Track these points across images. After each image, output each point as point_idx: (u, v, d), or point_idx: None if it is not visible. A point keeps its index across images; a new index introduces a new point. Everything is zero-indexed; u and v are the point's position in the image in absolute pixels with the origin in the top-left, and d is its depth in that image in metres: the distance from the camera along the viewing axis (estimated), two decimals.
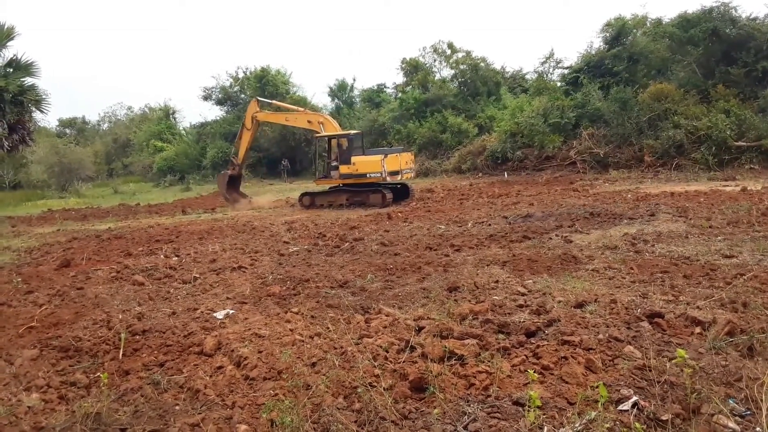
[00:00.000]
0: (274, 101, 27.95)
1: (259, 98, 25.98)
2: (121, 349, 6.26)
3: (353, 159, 20.37)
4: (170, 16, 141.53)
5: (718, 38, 26.66)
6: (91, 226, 20.23)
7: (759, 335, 5.20)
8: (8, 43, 23.14)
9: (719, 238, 10.22)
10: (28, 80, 23.45)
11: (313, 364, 5.33)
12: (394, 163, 20.27)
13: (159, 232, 16.63)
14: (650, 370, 4.63)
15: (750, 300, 6.34)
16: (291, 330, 6.38)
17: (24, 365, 6.08)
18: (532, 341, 5.55)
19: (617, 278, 7.94)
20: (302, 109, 26.84)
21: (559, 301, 6.77)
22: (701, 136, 23.85)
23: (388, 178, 20.00)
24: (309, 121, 23.01)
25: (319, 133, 22.02)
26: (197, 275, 10.13)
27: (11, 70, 23.02)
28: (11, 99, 22.35)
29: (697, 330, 5.55)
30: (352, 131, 21.94)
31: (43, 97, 24.11)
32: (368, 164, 20.14)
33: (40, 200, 34.83)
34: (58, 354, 6.41)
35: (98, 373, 5.65)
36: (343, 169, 20.62)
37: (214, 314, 7.46)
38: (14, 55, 23.25)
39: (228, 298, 8.39)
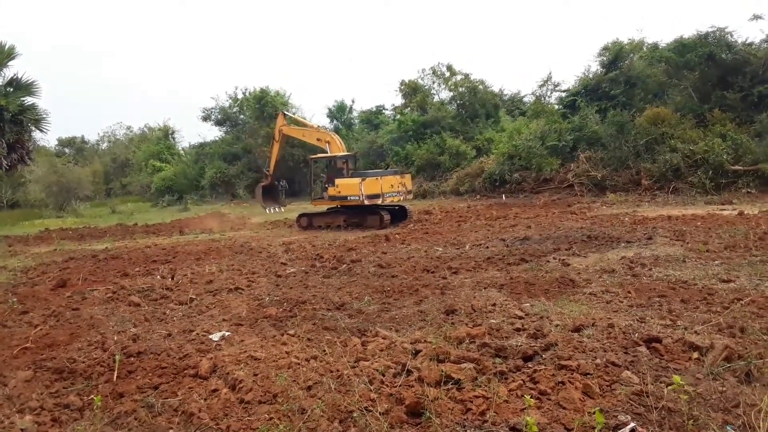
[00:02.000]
0: (295, 116, 28.67)
1: (285, 112, 26.78)
2: (116, 372, 6.21)
3: (337, 181, 20.45)
4: (170, 38, 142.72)
5: (714, 63, 26.89)
6: (88, 245, 20.19)
7: (756, 361, 5.18)
8: (9, 63, 23.32)
9: (716, 262, 10.23)
10: (29, 99, 23.59)
11: (309, 388, 5.30)
12: (374, 187, 19.95)
13: (156, 252, 16.59)
14: (648, 396, 4.61)
15: (747, 325, 6.33)
16: (287, 353, 6.35)
17: (18, 387, 6.03)
18: (530, 365, 5.52)
19: (615, 302, 7.93)
20: (317, 126, 27.19)
21: (557, 325, 6.76)
22: (698, 159, 23.93)
23: (366, 202, 19.79)
24: (318, 139, 23.20)
25: (325, 151, 22.17)
26: (193, 296, 10.08)
27: (12, 89, 23.16)
28: (11, 118, 22.46)
29: (695, 355, 5.52)
30: (340, 153, 21.96)
31: (43, 116, 24.26)
32: (348, 187, 20.13)
33: (37, 219, 34.75)
34: (52, 376, 6.36)
35: (92, 396, 5.60)
36: (331, 190, 20.72)
37: (210, 336, 7.42)
38: (15, 75, 23.42)
39: (224, 320, 8.34)
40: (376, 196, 19.97)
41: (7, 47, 23.07)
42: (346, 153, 22.49)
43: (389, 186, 20.61)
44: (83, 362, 6.64)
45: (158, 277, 12.40)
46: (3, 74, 23.26)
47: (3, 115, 22.12)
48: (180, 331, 7.79)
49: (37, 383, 6.16)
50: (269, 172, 25.06)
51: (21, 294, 11.09)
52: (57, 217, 36.25)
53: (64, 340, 7.73)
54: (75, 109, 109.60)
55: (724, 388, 4.73)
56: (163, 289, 10.90)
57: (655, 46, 32.23)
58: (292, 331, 7.35)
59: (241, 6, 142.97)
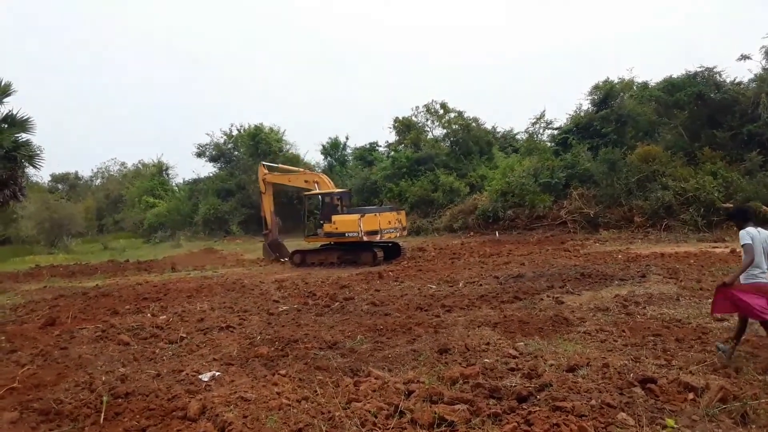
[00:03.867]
0: (277, 165, 28.61)
1: (264, 162, 26.61)
2: (103, 413, 6.10)
3: (334, 218, 20.47)
4: (165, 73, 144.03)
5: (704, 102, 27.24)
6: (78, 283, 20.05)
7: (752, 402, 5.14)
8: (5, 99, 23.35)
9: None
10: (23, 136, 23.56)
11: (300, 430, 5.20)
12: (372, 223, 20.13)
13: (147, 289, 16.46)
14: None
15: (742, 365, 6.29)
16: (278, 393, 6.25)
17: (3, 428, 5.92)
18: (524, 407, 5.45)
19: (609, 341, 7.89)
20: (301, 169, 27.18)
21: (551, 365, 6.70)
22: (689, 197, 24.11)
23: (365, 238, 19.89)
24: (306, 181, 23.28)
25: (312, 191, 22.20)
26: (184, 335, 9.98)
27: (6, 125, 23.13)
28: (4, 154, 22.37)
29: (690, 396, 5.48)
30: (337, 190, 22.05)
31: (37, 152, 24.19)
32: (347, 223, 20.16)
33: (28, 256, 34.54)
34: (38, 417, 6.24)
35: None
36: (327, 227, 20.70)
37: (200, 376, 7.31)
38: (10, 111, 23.42)
39: (214, 359, 8.24)
40: (375, 233, 20.10)
41: (3, 84, 23.12)
42: (340, 190, 22.56)
43: (387, 222, 20.81)
44: (70, 403, 6.52)
45: (149, 315, 12.28)
46: None
47: None
48: (169, 371, 7.68)
49: (23, 424, 6.05)
50: (269, 230, 24.78)
51: (9, 332, 10.95)
52: (48, 254, 36.07)
53: (52, 380, 7.61)
54: (69, 145, 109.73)
55: (720, 430, 4.68)
56: (153, 327, 10.78)
57: (644, 85, 32.71)
58: (283, 371, 7.26)
59: (237, 42, 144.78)
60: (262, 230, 25.60)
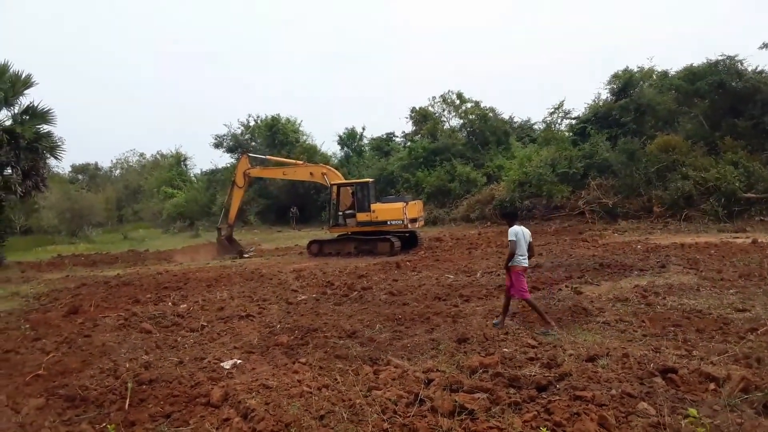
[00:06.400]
0: (265, 157, 27.99)
1: (250, 154, 25.81)
2: (128, 399, 6.20)
3: (373, 206, 20.58)
4: (184, 65, 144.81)
5: (725, 91, 26.89)
6: (100, 272, 20.29)
7: None
8: (26, 91, 23.66)
9: (731, 291, 10.14)
10: (44, 127, 23.88)
11: (321, 417, 5.26)
12: (413, 211, 20.72)
13: (167, 279, 16.63)
14: (665, 428, 4.55)
15: (764, 355, 6.26)
16: (299, 381, 6.32)
17: (30, 414, 6.04)
18: (544, 396, 5.47)
19: (629, 331, 7.87)
20: (300, 162, 26.58)
21: (570, 355, 6.71)
22: (710, 187, 23.81)
23: (410, 225, 20.36)
24: (311, 173, 22.97)
25: (324, 184, 22.10)
26: (205, 323, 10.10)
27: (27, 117, 23.46)
28: (26, 145, 22.75)
29: (712, 386, 5.46)
30: (369, 179, 22.09)
31: (58, 144, 24.53)
32: (389, 212, 20.41)
33: (50, 245, 35.01)
34: (64, 403, 6.37)
35: (104, 424, 5.62)
36: (361, 216, 20.73)
37: (222, 364, 7.41)
38: (31, 102, 23.73)
39: (235, 348, 8.34)
40: (415, 220, 20.85)
41: (24, 76, 23.45)
42: (371, 179, 22.58)
43: (418, 211, 21.58)
44: (95, 390, 6.64)
45: (170, 303, 12.42)
46: (20, 102, 23.59)
47: (19, 143, 22.42)
48: (192, 359, 7.79)
49: (49, 411, 6.17)
50: (231, 223, 24.27)
51: (33, 320, 11.14)
52: (69, 243, 36.52)
53: (77, 367, 7.75)
54: (89, 135, 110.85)
55: (742, 420, 4.67)
56: (174, 315, 10.92)
57: (664, 74, 32.33)
58: (303, 360, 7.34)
59: (254, 34, 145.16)
60: (219, 230, 24.48)
